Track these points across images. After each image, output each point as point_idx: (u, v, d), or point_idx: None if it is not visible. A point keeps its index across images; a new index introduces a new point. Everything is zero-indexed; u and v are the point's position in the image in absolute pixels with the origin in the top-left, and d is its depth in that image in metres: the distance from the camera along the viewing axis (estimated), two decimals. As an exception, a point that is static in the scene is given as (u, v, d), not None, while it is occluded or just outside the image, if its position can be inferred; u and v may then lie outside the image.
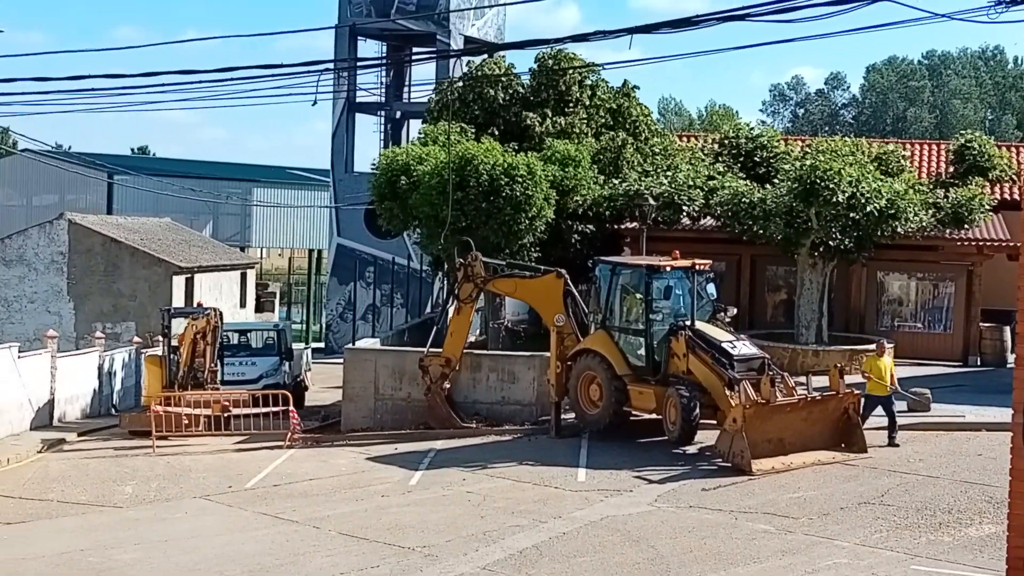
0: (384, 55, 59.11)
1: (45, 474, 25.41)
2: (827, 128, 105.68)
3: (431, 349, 28.55)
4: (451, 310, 29.38)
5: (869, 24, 20.65)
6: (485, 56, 42.27)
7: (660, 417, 24.81)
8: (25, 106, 48.84)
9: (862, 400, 24.03)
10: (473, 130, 36.11)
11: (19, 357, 30.59)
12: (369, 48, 59.40)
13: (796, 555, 16.82)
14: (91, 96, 23.13)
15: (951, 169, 37.97)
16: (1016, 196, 36.43)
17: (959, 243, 34.77)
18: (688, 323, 24.83)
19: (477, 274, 28.14)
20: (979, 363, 34.59)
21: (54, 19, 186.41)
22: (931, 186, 35.86)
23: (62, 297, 45.54)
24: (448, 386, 28.15)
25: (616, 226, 35.95)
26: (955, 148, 37.87)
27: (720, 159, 37.53)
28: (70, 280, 45.56)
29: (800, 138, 45.59)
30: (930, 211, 33.51)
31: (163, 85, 21.75)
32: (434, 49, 53.52)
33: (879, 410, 24.22)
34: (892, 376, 24.40)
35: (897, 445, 23.63)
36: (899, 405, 26.32)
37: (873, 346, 26.07)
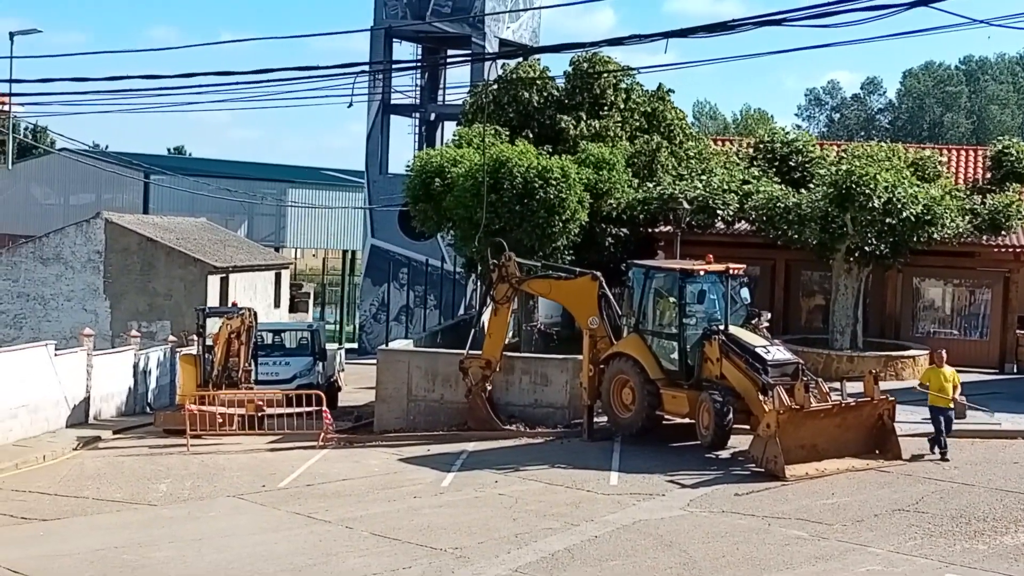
0: (419, 57, 59.28)
1: (80, 471, 25.58)
2: (863, 133, 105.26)
3: (470, 351, 28.60)
4: (488, 312, 29.36)
5: (906, 29, 20.58)
6: (520, 59, 42.27)
7: (693, 422, 24.76)
8: (63, 106, 49.16)
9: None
10: (507, 133, 36.13)
11: (55, 355, 30.83)
12: (404, 50, 59.67)
13: (830, 561, 16.75)
14: (129, 96, 23.38)
15: (988, 175, 37.71)
16: (1054, 203, 36.13)
17: (996, 249, 34.56)
18: (722, 327, 24.77)
19: (512, 274, 28.11)
20: (1015, 370, 34.38)
21: (91, 19, 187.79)
22: (968, 192, 35.62)
23: (98, 296, 45.84)
24: (490, 388, 28.15)
25: (650, 230, 35.88)
26: (992, 154, 37.61)
27: (755, 163, 37.43)
28: (106, 279, 45.86)
29: (836, 143, 45.41)
30: (967, 217, 33.31)
31: (200, 86, 21.95)
32: (469, 52, 53.61)
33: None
34: (956, 386, 23.73)
35: (947, 460, 22.90)
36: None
37: (913, 352, 25.83)
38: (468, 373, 28.08)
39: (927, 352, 33.02)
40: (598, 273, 27.45)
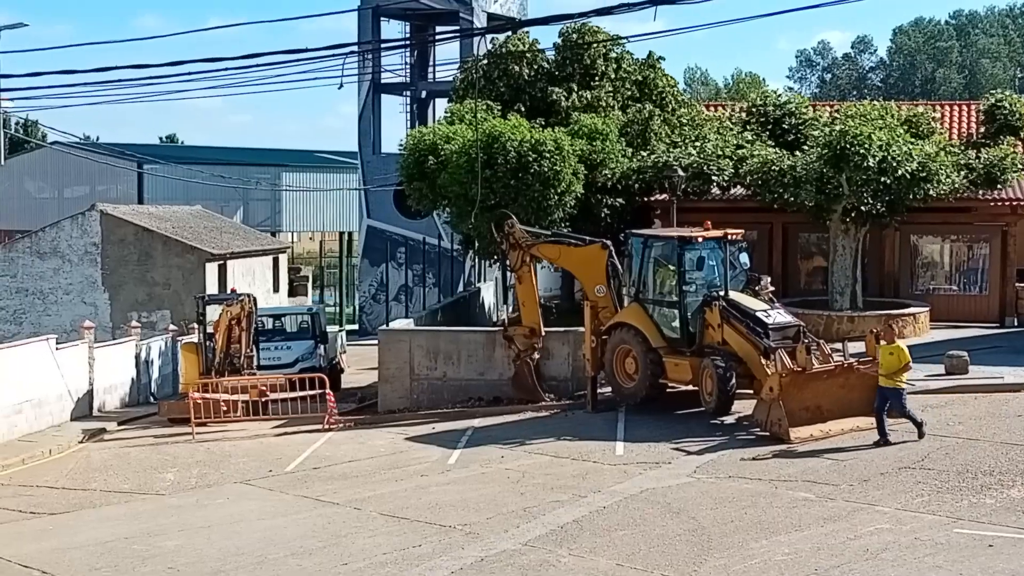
0: (408, 35, 59.06)
1: (87, 464, 25.62)
2: (855, 92, 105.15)
3: (509, 318, 28.51)
4: (502, 283, 29.18)
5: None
6: (509, 32, 42.12)
7: (696, 388, 24.78)
8: (53, 99, 48.99)
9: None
10: (499, 107, 36.06)
11: (57, 349, 30.81)
12: (392, 28, 59.40)
13: (838, 522, 16.78)
14: (118, 87, 23.36)
15: (982, 129, 37.66)
16: (1049, 154, 36.07)
17: (992, 203, 34.51)
18: (722, 293, 24.77)
19: (521, 238, 27.96)
20: (1016, 323, 34.35)
21: (77, 10, 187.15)
22: (962, 147, 35.58)
23: (97, 288, 45.79)
24: (537, 357, 28.01)
25: (646, 199, 35.85)
26: (985, 108, 37.54)
27: (748, 127, 37.35)
28: (104, 270, 45.80)
29: (828, 103, 45.32)
30: (962, 172, 33.26)
31: (189, 73, 21.91)
32: (457, 27, 53.38)
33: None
34: (906, 364, 21.25)
35: (880, 445, 21.02)
36: (932, 369, 26.04)
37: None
38: (514, 341, 27.96)
39: (927, 309, 33.11)
40: (608, 242, 27.39)
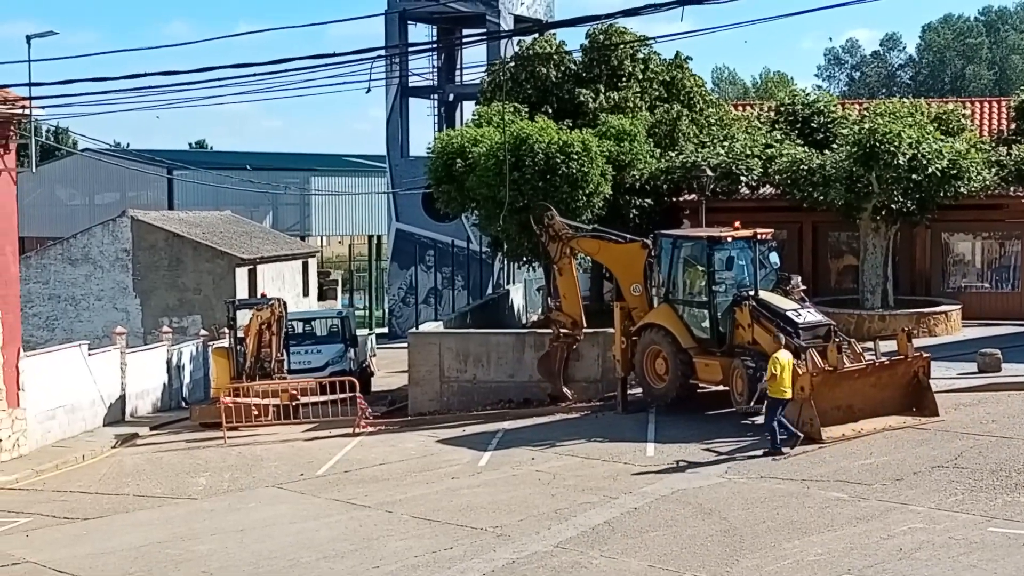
0: (435, 38, 59.17)
1: (120, 469, 25.76)
2: (884, 90, 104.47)
3: (553, 303, 28.53)
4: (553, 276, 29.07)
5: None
6: (535, 35, 42.12)
7: (727, 389, 24.70)
8: (84, 107, 49.32)
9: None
10: (526, 109, 36.07)
11: (89, 354, 31.01)
12: (420, 32, 59.57)
13: (871, 522, 16.69)
14: (148, 93, 23.40)
15: (1013, 126, 37.38)
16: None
17: (1024, 200, 34.30)
18: (752, 293, 24.68)
19: (561, 230, 27.89)
20: (1049, 322, 34.09)
21: (105, 17, 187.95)
22: (993, 144, 35.34)
23: (128, 293, 46.08)
24: (575, 347, 27.97)
25: (674, 199, 35.79)
26: (1016, 104, 37.28)
27: (777, 127, 37.25)
28: (135, 276, 46.10)
29: (857, 102, 45.15)
30: (993, 169, 33.06)
31: (218, 79, 21.96)
32: (484, 30, 53.47)
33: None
34: (768, 376, 21.35)
35: (779, 457, 20.83)
36: (965, 367, 25.86)
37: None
38: (555, 323, 27.98)
39: (959, 307, 32.91)
40: (648, 242, 27.30)
